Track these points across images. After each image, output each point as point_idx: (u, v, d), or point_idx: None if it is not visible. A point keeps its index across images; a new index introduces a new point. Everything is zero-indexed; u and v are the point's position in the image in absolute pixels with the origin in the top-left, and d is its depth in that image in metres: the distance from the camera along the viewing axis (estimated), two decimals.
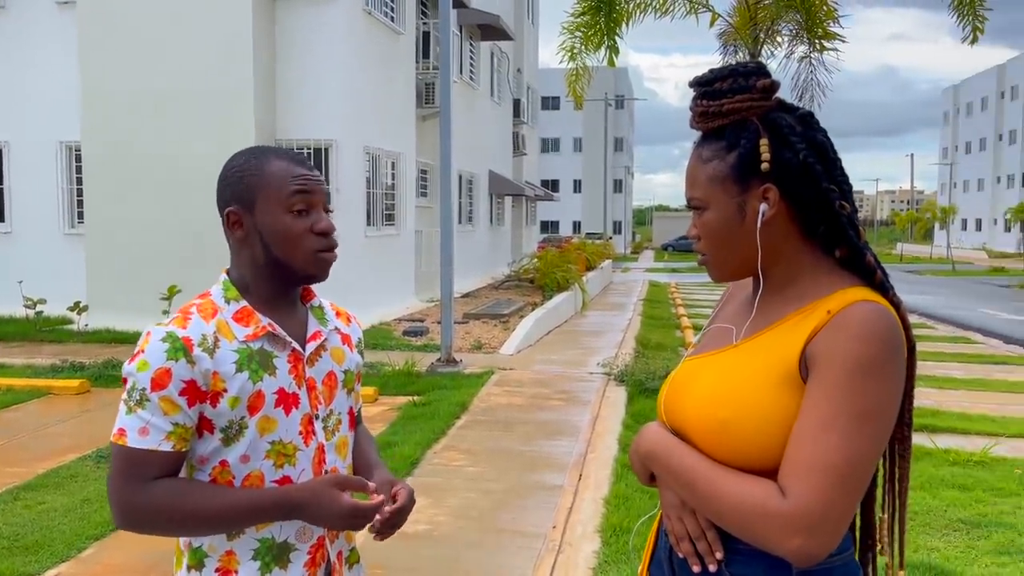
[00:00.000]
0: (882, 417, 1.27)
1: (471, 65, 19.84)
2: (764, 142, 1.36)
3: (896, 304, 1.35)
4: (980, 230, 67.20)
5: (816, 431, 1.25)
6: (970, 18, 9.39)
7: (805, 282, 1.40)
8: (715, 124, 1.40)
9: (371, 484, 1.56)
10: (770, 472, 1.31)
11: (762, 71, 1.40)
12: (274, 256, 1.53)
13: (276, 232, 1.52)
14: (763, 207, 1.37)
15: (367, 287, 12.45)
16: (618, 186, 62.79)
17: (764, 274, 1.42)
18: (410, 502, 1.59)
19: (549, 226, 57.78)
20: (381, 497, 1.52)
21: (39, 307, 11.54)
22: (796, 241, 1.41)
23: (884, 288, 1.37)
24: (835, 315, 1.30)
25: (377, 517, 1.52)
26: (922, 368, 9.72)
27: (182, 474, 1.51)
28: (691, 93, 1.45)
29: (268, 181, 1.52)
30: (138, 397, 1.43)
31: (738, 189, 1.38)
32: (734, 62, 1.51)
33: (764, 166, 1.36)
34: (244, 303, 1.53)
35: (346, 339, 1.69)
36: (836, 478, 1.23)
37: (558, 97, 51.35)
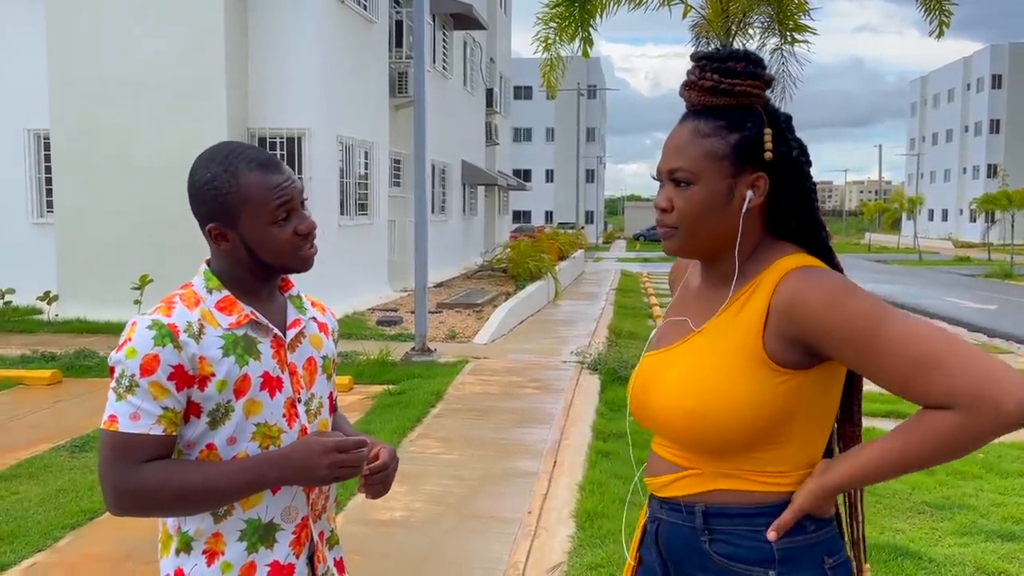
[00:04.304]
0: (884, 303, 1.30)
1: (444, 54, 19.78)
2: (769, 132, 1.38)
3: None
4: (946, 220, 68.21)
5: (900, 358, 1.25)
6: (937, 12, 9.55)
7: (748, 262, 1.43)
8: (720, 101, 1.40)
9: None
10: (746, 450, 1.36)
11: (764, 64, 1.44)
12: (259, 259, 1.58)
13: (263, 242, 1.56)
14: (750, 194, 1.39)
15: (340, 276, 12.42)
16: (590, 176, 62.92)
17: (720, 257, 1.45)
18: (392, 459, 1.66)
19: (521, 216, 57.78)
20: (362, 437, 1.58)
21: (7, 297, 11.39)
22: (759, 233, 1.45)
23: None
24: (776, 291, 1.34)
25: (364, 468, 1.58)
26: None
27: None
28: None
29: (248, 197, 1.53)
30: (127, 384, 1.46)
31: (733, 171, 1.39)
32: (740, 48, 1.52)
33: (767, 155, 1.38)
34: (226, 292, 1.58)
35: (323, 327, 1.75)
36: (953, 355, 1.23)
37: (530, 87, 51.29)
